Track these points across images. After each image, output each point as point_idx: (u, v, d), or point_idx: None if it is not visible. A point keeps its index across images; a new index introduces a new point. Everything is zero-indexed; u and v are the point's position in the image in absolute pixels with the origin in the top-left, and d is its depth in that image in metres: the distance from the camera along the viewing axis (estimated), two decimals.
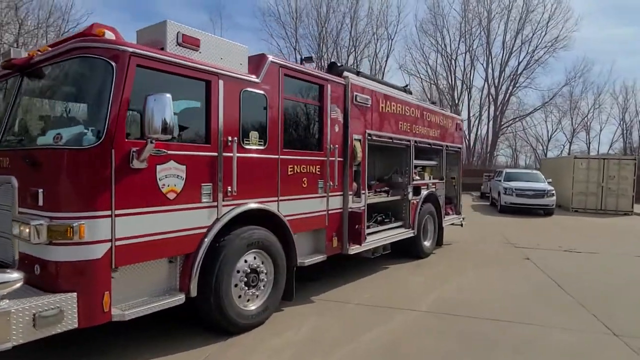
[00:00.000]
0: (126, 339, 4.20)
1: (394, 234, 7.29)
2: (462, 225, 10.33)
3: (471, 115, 44.69)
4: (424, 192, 8.22)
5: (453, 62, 42.84)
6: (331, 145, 5.64)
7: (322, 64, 40.88)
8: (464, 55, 42.93)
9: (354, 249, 6.07)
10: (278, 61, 4.86)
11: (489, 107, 44.20)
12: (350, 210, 5.99)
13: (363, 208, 6.31)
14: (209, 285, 4.05)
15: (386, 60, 43.04)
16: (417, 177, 8.14)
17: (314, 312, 5.16)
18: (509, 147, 51.93)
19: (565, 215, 17.97)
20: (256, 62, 4.69)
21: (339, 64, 6.31)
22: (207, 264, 4.05)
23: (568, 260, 8.63)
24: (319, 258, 5.53)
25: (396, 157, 7.82)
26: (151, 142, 3.34)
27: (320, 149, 5.54)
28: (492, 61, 42.89)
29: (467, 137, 44.96)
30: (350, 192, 6.04)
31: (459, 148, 9.95)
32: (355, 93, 6.06)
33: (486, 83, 43.50)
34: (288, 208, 5.00)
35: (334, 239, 5.83)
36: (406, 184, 7.68)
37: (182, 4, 57.53)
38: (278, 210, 4.86)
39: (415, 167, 8.27)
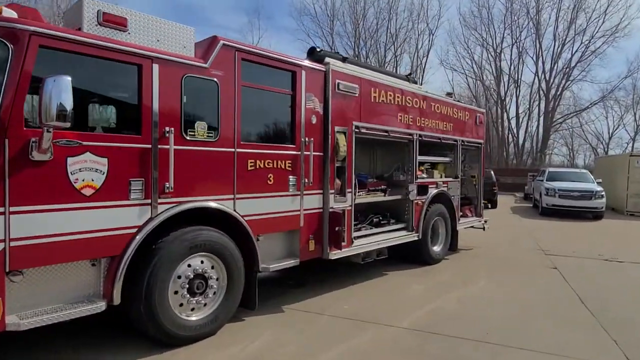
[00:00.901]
0: (65, 343, 3.89)
1: (392, 237, 6.60)
2: (484, 229, 9.37)
3: (520, 111, 42.16)
4: (432, 192, 7.44)
5: (498, 56, 40.50)
6: (306, 139, 5.09)
7: (361, 61, 40.20)
8: (510, 48, 40.49)
9: (335, 254, 5.48)
10: (233, 44, 4.38)
11: (539, 102, 41.44)
12: (331, 210, 5.40)
13: (349, 208, 5.71)
14: (139, 291, 3.64)
15: (426, 56, 41.53)
16: (424, 175, 7.38)
17: (277, 323, 4.63)
18: (565, 145, 48.54)
19: (617, 219, 16.18)
20: (206, 46, 4.24)
21: (318, 49, 5.73)
22: (138, 268, 3.65)
23: (604, 272, 7.50)
24: (290, 263, 5.00)
25: (399, 153, 7.12)
26: (48, 131, 2.97)
27: (292, 142, 5.01)
28: (542, 54, 40.17)
29: (516, 134, 42.47)
30: (332, 191, 5.46)
31: (480, 143, 9.01)
32: (338, 81, 5.46)
33: (536, 77, 40.83)
34: (248, 207, 4.51)
35: (311, 242, 5.27)
36: (409, 183, 6.95)
37: (223, 8, 58.92)
38: (234, 210, 4.38)
39: (422, 163, 7.53)
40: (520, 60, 40.79)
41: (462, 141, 8.31)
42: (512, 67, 41.08)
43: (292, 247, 5.15)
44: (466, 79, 43.82)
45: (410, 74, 7.66)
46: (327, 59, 5.59)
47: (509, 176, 30.59)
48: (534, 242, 10.40)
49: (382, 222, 6.68)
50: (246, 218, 4.49)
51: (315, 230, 5.32)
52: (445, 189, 7.83)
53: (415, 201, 7.04)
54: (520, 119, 42.14)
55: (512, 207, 19.56)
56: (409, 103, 6.82)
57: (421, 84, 41.68)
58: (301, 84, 5.05)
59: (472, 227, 9.16)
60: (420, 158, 7.20)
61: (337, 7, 40.55)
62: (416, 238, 7.07)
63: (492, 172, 19.04)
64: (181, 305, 3.96)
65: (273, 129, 4.93)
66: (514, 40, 40.28)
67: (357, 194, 6.14)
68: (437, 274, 6.98)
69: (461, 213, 8.82)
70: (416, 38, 41.12)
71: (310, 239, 5.26)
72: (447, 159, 8.20)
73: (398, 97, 6.57)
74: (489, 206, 18.73)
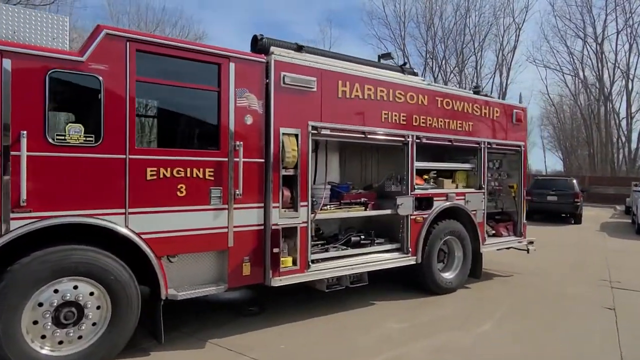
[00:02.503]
0: None
1: (375, 260, 5.48)
2: (527, 251, 7.63)
3: (632, 110, 36.25)
4: (440, 205, 6.12)
5: (600, 46, 35.34)
6: (236, 143, 4.30)
7: (438, 64, 37.96)
8: (616, 36, 35.09)
9: (281, 280, 4.58)
10: (123, 34, 3.76)
11: None
12: (273, 228, 4.52)
13: (302, 225, 4.76)
14: None
15: (513, 53, 37.80)
16: (426, 186, 6.10)
17: None
18: None
19: None
20: (88, 37, 3.69)
21: (259, 36, 4.90)
22: None
23: None
24: (210, 290, 4.21)
25: (394, 159, 5.97)
26: None
27: (216, 146, 4.25)
28: None
29: (626, 136, 36.58)
30: (276, 204, 4.57)
31: (519, 146, 7.36)
32: (284, 73, 4.58)
33: None
34: (148, 224, 3.85)
35: (246, 265, 4.44)
36: (403, 194, 5.76)
37: (306, 21, 60.27)
38: (127, 226, 3.74)
39: (427, 171, 6.26)
40: (633, 49, 35.10)
41: (489, 144, 6.81)
42: (618, 59, 35.58)
43: (220, 271, 4.37)
44: (562, 75, 39.09)
45: (405, 63, 6.45)
46: (273, 49, 4.75)
47: (610, 185, 26.25)
48: (605, 270, 8.27)
49: (363, 241, 5.57)
50: (145, 236, 3.82)
51: (252, 251, 4.48)
52: (461, 202, 6.42)
53: (413, 217, 5.81)
54: (633, 119, 36.26)
55: (604, 223, 16.46)
56: (400, 98, 5.65)
57: (508, 84, 38.08)
58: (229, 78, 4.28)
59: (508, 249, 7.50)
60: (419, 165, 5.96)
61: (409, 8, 38.78)
62: (413, 262, 5.83)
63: (574, 181, 16.34)
64: (43, 337, 3.41)
65: (187, 131, 4.24)
66: (621, 27, 34.89)
67: (323, 207, 5.18)
68: (437, 309, 5.64)
69: (494, 231, 7.26)
70: (501, 34, 37.70)
71: (245, 262, 4.43)
72: (465, 166, 6.77)
73: (382, 91, 5.46)
74: (572, 222, 16.11)
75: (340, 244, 5.43)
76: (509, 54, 37.86)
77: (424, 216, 5.95)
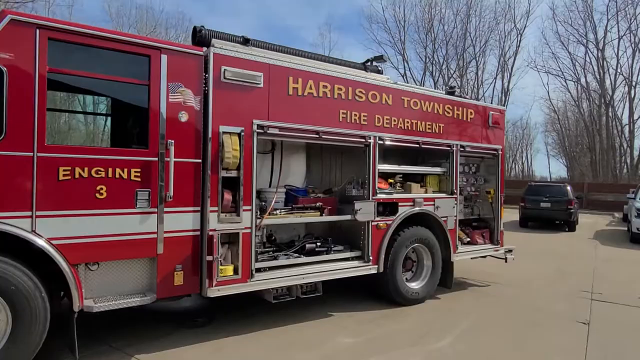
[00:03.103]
0: None
1: (330, 269, 5.12)
2: (505, 260, 7.24)
3: (635, 117, 35.60)
4: (405, 211, 5.76)
5: (601, 52, 34.86)
6: (167, 141, 3.97)
7: (439, 68, 37.61)
8: (618, 41, 34.61)
9: (218, 290, 4.23)
10: (31, 20, 3.44)
11: None
12: (210, 234, 4.18)
13: (246, 231, 4.42)
14: None
15: (514, 59, 37.38)
16: (389, 190, 5.74)
17: None
18: None
19: None
20: None
21: (198, 28, 4.57)
22: None
23: None
24: (132, 301, 3.86)
25: (357, 162, 5.62)
26: None
27: (144, 145, 3.92)
28: None
29: (628, 143, 35.98)
30: (214, 208, 4.23)
31: (496, 150, 6.99)
32: (224, 68, 4.25)
33: None
34: (60, 228, 3.51)
35: (178, 274, 4.10)
36: (365, 199, 5.41)
37: (307, 20, 60.26)
38: (34, 231, 3.41)
39: (393, 175, 5.92)
40: (635, 56, 34.57)
41: (462, 147, 6.44)
42: (620, 65, 35.06)
43: (150, 280, 4.03)
44: (565, 81, 38.59)
45: (367, 61, 6.11)
46: (214, 41, 4.44)
47: (610, 192, 25.71)
48: (589, 280, 7.86)
49: (318, 249, 5.21)
50: (57, 242, 3.49)
51: (186, 259, 4.13)
52: (430, 208, 6.05)
53: (375, 223, 5.45)
54: (636, 125, 35.65)
55: (599, 231, 15.99)
56: (361, 97, 5.31)
57: (509, 89, 37.63)
58: (160, 72, 3.95)
59: (484, 257, 7.12)
60: (383, 167, 5.62)
61: (409, 12, 38.43)
62: (374, 271, 5.46)
63: (568, 188, 15.90)
64: None
65: (110, 128, 3.91)
66: (622, 33, 34.39)
67: (273, 212, 4.84)
68: (398, 321, 5.27)
69: (468, 239, 6.89)
70: (502, 40, 37.31)
71: (177, 270, 4.09)
72: (436, 170, 6.42)
73: (340, 89, 5.12)
74: (566, 229, 15.65)
75: (293, 252, 5.07)
76: (510, 59, 37.47)
77: (388, 222, 5.59)
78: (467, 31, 36.35)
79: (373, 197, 5.43)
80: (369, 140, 5.38)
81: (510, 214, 17.16)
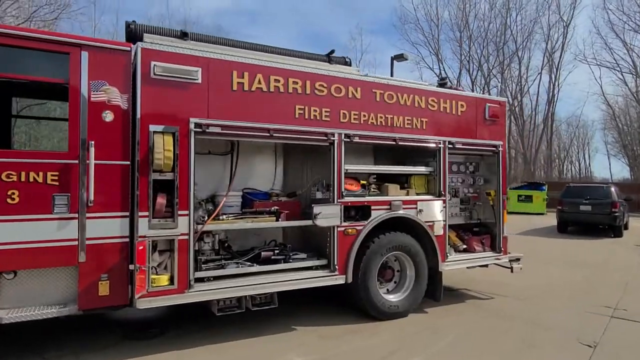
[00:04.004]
0: None
1: (289, 279, 4.69)
2: (511, 269, 6.47)
3: None
4: (379, 215, 5.22)
5: None
6: (89, 143, 3.74)
7: (477, 65, 35.98)
8: None
9: (149, 301, 3.94)
10: None
11: None
12: (138, 240, 3.90)
13: (182, 237, 4.11)
14: None
15: (561, 52, 35.02)
16: (362, 192, 5.23)
17: None
18: None
19: None
20: None
21: (128, 23, 4.32)
22: None
23: None
24: (48, 312, 3.63)
25: (324, 162, 5.17)
26: None
27: (63, 147, 3.72)
28: None
29: None
30: (145, 213, 3.95)
31: (496, 146, 6.26)
32: (154, 63, 3.98)
33: None
34: None
35: (103, 284, 3.85)
36: (330, 202, 4.95)
37: (346, 26, 60.20)
38: None
39: (368, 175, 5.42)
40: None
41: (451, 143, 5.80)
42: None
43: (72, 290, 3.80)
44: (621, 74, 35.59)
45: (332, 52, 5.57)
46: (146, 36, 4.19)
47: None
48: (619, 293, 6.86)
49: (275, 257, 4.80)
50: None
51: (112, 268, 3.88)
52: (411, 211, 5.47)
53: (342, 229, 4.97)
54: None
55: None
56: (322, 91, 4.87)
57: (559, 84, 35.30)
58: (80, 70, 3.75)
59: (484, 267, 6.38)
60: (352, 167, 5.13)
61: (441, 10, 37.09)
62: (341, 281, 4.97)
63: (612, 189, 14.38)
64: None
65: (23, 130, 3.76)
66: None
67: (219, 217, 4.50)
68: (367, 337, 4.74)
69: (465, 246, 6.20)
70: (547, 33, 35.11)
71: (102, 280, 3.84)
72: (420, 169, 5.82)
73: (296, 83, 4.71)
74: (612, 235, 14.13)
75: (246, 260, 4.69)
76: (556, 53, 35.16)
77: (358, 228, 5.08)
78: (507, 25, 34.52)
79: (339, 200, 4.95)
80: (332, 138, 4.92)
81: (551, 219, 15.81)
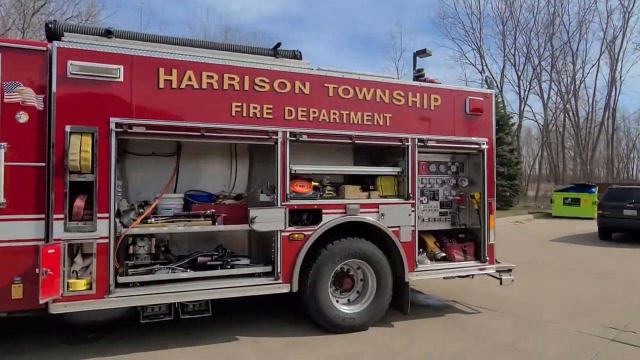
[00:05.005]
0: None
1: (225, 286, 4.43)
2: (501, 282, 5.80)
3: None
4: (331, 220, 4.83)
5: None
6: (1, 144, 3.71)
7: (526, 57, 33.88)
8: None
9: (65, 306, 3.84)
10: None
11: None
12: (52, 243, 3.81)
13: (101, 241, 3.97)
14: None
15: (621, 42, 32.08)
16: (313, 194, 4.86)
17: None
18: None
19: None
20: None
21: (47, 22, 4.23)
22: None
23: None
24: None
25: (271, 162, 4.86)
26: None
27: None
28: None
29: None
30: (60, 216, 3.86)
31: (477, 144, 5.63)
32: (71, 62, 3.87)
33: None
34: None
35: (16, 287, 3.79)
36: (274, 204, 4.64)
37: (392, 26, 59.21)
38: None
39: (322, 176, 5.07)
40: None
41: (422, 141, 5.28)
42: None
43: None
44: None
45: (278, 45, 5.12)
46: (66, 35, 4.10)
47: None
48: (636, 314, 5.94)
49: (212, 262, 4.55)
50: None
51: (26, 271, 3.80)
52: (372, 216, 5.02)
53: (287, 234, 4.64)
54: None
55: None
56: (263, 87, 4.57)
57: (620, 76, 32.48)
58: None
59: (467, 277, 5.77)
60: (301, 168, 4.79)
61: (483, 3, 35.19)
62: (286, 290, 4.64)
63: None
64: None
65: None
66: None
67: (148, 220, 4.33)
68: (301, 353, 4.37)
69: (443, 254, 5.63)
70: (604, 21, 32.32)
71: (15, 283, 3.78)
72: (386, 170, 5.35)
73: (232, 78, 4.45)
74: None
75: (180, 265, 4.49)
76: (617, 42, 32.21)
77: (306, 233, 4.72)
78: (556, 14, 32.11)
79: (283, 203, 4.62)
80: (275, 137, 4.60)
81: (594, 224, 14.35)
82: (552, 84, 33.64)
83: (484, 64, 33.64)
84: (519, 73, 33.35)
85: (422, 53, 15.69)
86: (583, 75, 34.13)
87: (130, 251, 4.43)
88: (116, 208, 4.07)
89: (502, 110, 23.33)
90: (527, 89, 33.90)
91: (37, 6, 18.81)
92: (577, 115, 35.01)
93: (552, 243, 12.69)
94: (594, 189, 20.57)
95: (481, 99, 5.64)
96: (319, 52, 53.96)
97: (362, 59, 59.79)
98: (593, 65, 33.04)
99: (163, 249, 4.66)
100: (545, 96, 34.21)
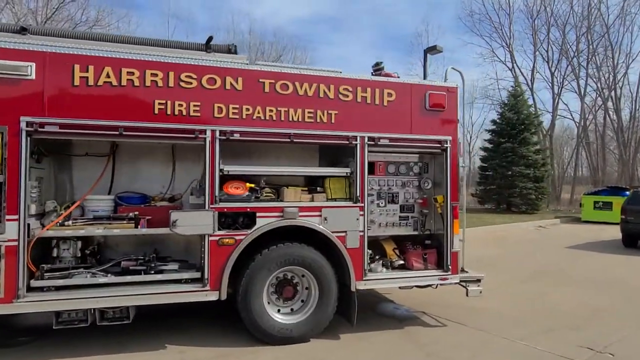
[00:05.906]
0: None
1: (148, 292, 4.22)
2: (467, 293, 5.29)
3: None
4: (266, 224, 4.53)
5: None
6: None
7: (560, 53, 32.10)
8: None
9: None
10: None
11: None
12: None
13: (10, 244, 3.86)
14: None
15: None
16: (249, 195, 4.58)
17: None
18: None
19: None
20: None
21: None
22: None
23: None
24: None
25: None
26: None
27: None
28: None
29: None
30: None
31: (439, 142, 5.15)
32: None
33: None
34: None
35: None
36: (202, 207, 4.40)
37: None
38: None
39: (259, 177, 4.78)
40: None
41: (372, 139, 4.88)
42: None
43: None
44: None
45: (210, 39, 4.79)
46: None
47: None
48: (625, 332, 5.28)
49: (135, 267, 4.35)
50: None
51: None
52: (314, 219, 4.68)
53: (215, 239, 4.38)
54: None
55: None
56: (190, 83, 4.33)
57: None
58: None
59: (428, 287, 5.30)
60: (232, 168, 4.52)
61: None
62: (214, 298, 4.37)
63: None
64: None
65: None
66: None
67: (65, 222, 4.19)
68: None
69: (402, 262, 5.21)
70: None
71: None
72: (332, 171, 4.98)
73: (155, 75, 4.24)
74: None
75: (101, 269, 4.31)
76: None
77: (237, 238, 4.44)
78: (592, 6, 30.18)
79: (211, 206, 4.37)
80: (202, 136, 4.35)
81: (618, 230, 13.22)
82: (590, 79, 31.65)
83: (514, 61, 32.15)
84: (552, 69, 31.62)
85: (433, 50, 15.08)
86: (626, 70, 31.90)
87: (54, 254, 4.31)
88: (29, 210, 3.95)
89: (528, 110, 22.06)
90: (561, 86, 32.09)
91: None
92: (620, 113, 32.75)
93: (567, 250, 11.76)
94: (627, 192, 19.04)
95: (443, 93, 5.17)
96: (354, 54, 53.51)
97: (400, 58, 59.15)
98: (633, 59, 30.77)
99: (89, 252, 4.51)
100: (582, 92, 32.24)
